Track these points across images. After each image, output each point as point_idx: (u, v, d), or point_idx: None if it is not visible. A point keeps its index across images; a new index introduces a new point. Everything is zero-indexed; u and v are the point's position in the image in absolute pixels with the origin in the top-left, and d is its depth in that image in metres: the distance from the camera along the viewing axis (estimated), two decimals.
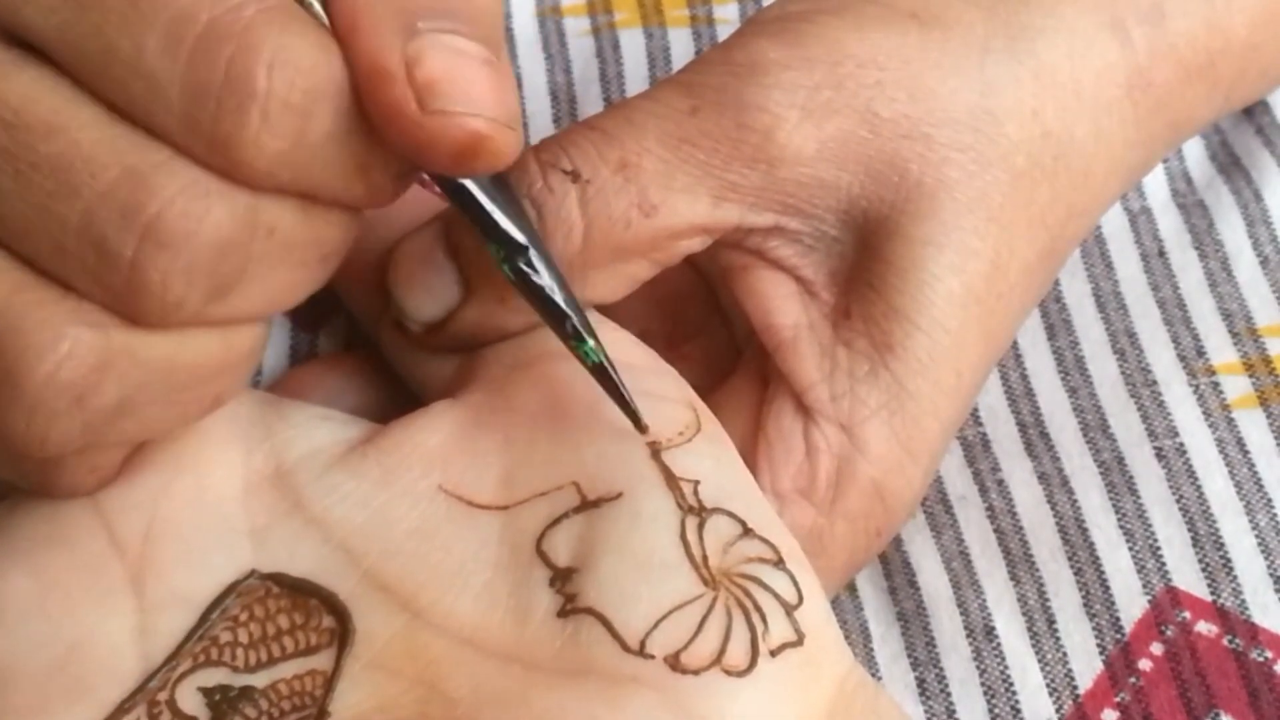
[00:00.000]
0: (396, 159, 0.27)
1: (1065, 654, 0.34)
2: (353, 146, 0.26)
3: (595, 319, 0.32)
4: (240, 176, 0.25)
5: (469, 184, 0.28)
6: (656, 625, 0.27)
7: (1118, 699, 0.33)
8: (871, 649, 0.34)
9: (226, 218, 0.25)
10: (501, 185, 0.29)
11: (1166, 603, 0.34)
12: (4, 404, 0.25)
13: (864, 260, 0.32)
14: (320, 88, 0.25)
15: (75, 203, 0.24)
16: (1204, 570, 0.34)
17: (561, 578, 0.28)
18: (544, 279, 0.29)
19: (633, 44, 0.42)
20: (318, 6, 0.26)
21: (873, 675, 0.33)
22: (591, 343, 0.29)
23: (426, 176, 0.29)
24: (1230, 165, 0.40)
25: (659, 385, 0.31)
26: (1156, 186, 0.40)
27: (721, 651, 0.27)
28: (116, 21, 0.24)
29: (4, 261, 0.25)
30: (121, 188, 0.24)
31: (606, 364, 0.29)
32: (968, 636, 0.34)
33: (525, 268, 0.29)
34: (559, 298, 0.29)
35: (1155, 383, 0.37)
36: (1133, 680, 0.33)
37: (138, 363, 0.26)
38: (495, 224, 0.28)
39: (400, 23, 0.25)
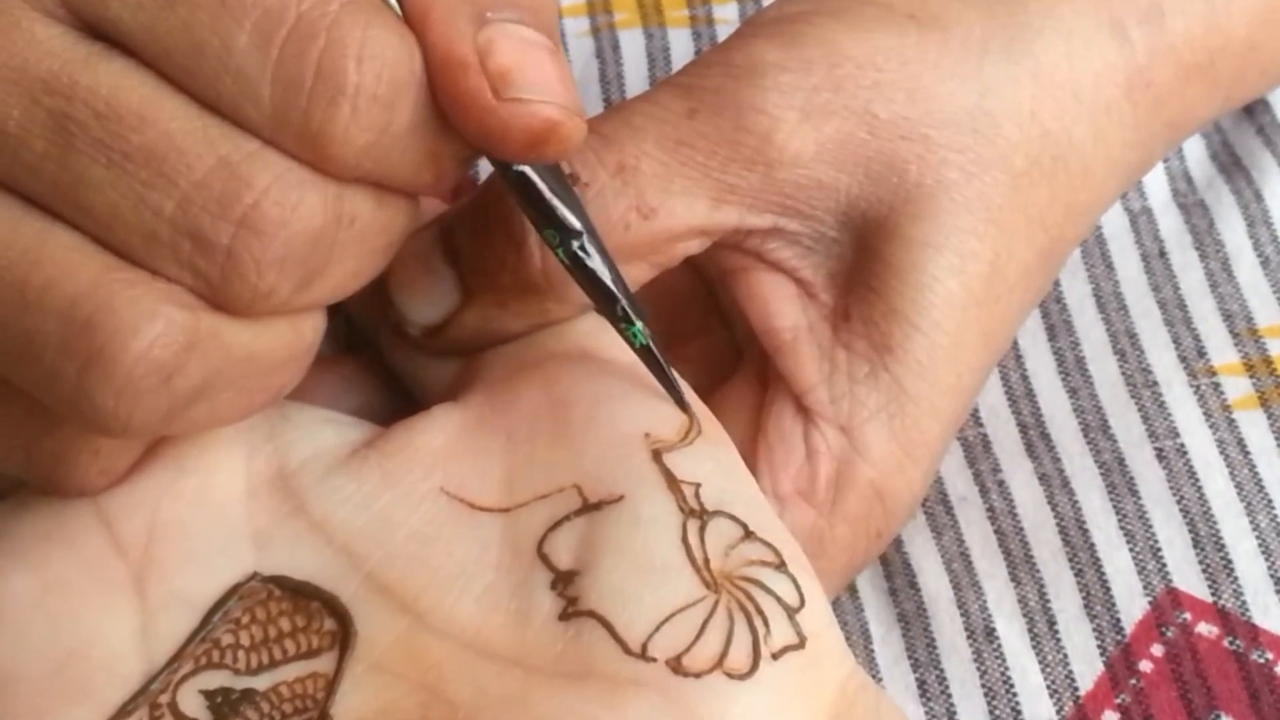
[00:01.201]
0: (464, 146, 0.27)
1: (1066, 655, 0.34)
2: (429, 136, 0.26)
3: (594, 320, 0.32)
4: (329, 168, 0.26)
5: (530, 171, 0.28)
6: (658, 628, 0.27)
7: (1118, 700, 0.33)
8: (872, 650, 0.34)
9: (319, 207, 0.26)
10: (556, 172, 0.29)
11: (1167, 604, 0.34)
12: (94, 381, 0.25)
13: (863, 262, 0.32)
14: (403, 80, 0.26)
15: (171, 192, 0.25)
16: (1205, 571, 0.34)
17: (563, 580, 0.28)
18: (596, 263, 0.29)
19: (632, 44, 0.42)
20: (394, 0, 0.26)
21: (873, 677, 0.33)
22: (640, 325, 0.30)
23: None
24: (1231, 165, 0.40)
25: (659, 387, 0.31)
26: (1157, 187, 0.40)
27: (723, 654, 0.27)
28: (205, 18, 0.25)
29: (93, 246, 0.25)
30: (217, 177, 0.25)
31: (653, 347, 0.30)
32: (968, 638, 0.34)
33: (580, 252, 0.29)
34: (610, 281, 0.29)
35: (1156, 383, 0.37)
36: (1133, 681, 0.33)
37: (222, 346, 0.26)
38: (554, 209, 0.29)
39: (471, 12, 0.26)
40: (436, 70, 0.26)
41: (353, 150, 0.25)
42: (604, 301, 0.30)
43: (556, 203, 0.29)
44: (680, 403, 0.30)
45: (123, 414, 0.26)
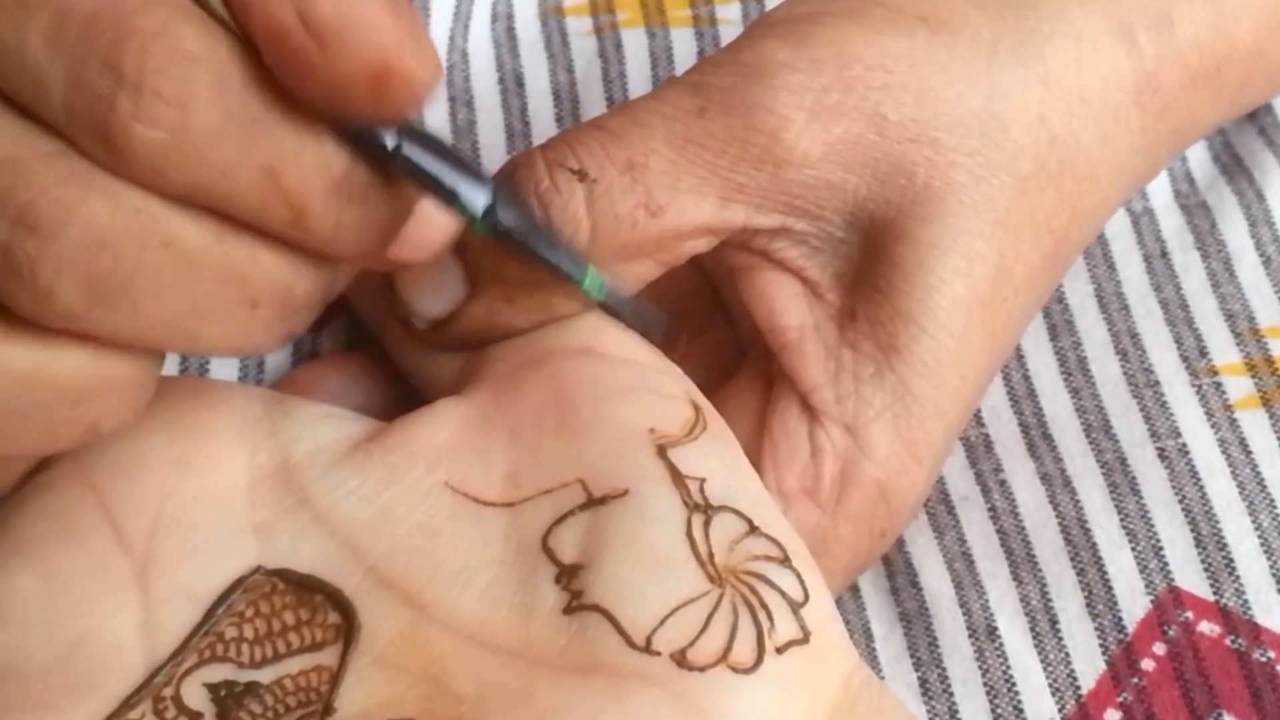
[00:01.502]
0: (312, 157, 0.26)
1: (1068, 654, 0.34)
2: (254, 145, 0.25)
3: (599, 317, 0.32)
4: (128, 173, 0.25)
5: (410, 151, 0.26)
6: (663, 622, 0.27)
7: (1120, 699, 0.33)
8: (874, 649, 0.34)
9: (103, 212, 0.24)
10: (442, 148, 0.27)
11: (1169, 603, 0.34)
12: None
13: (870, 262, 0.32)
14: (198, 77, 0.24)
15: None
16: (1206, 570, 0.34)
17: (567, 574, 0.28)
18: (509, 219, 0.28)
19: (635, 44, 0.42)
20: None
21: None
22: (590, 273, 0.29)
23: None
24: (1233, 166, 0.40)
25: (663, 383, 0.31)
26: (1159, 187, 0.40)
27: (727, 649, 0.27)
28: (2, 14, 0.24)
29: None
30: (2, 176, 0.24)
31: (608, 284, 0.29)
32: (970, 637, 0.34)
33: (497, 222, 0.28)
34: (537, 241, 0.28)
35: (1158, 383, 0.37)
36: (1135, 680, 0.33)
37: (1, 369, 0.25)
38: (443, 182, 0.27)
39: None
40: (264, 46, 0.25)
41: (142, 150, 0.24)
42: (546, 265, 0.29)
43: (446, 172, 0.27)
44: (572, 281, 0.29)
45: None
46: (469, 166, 0.27)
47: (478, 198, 0.27)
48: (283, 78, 0.25)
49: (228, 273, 0.26)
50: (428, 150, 0.27)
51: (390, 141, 0.26)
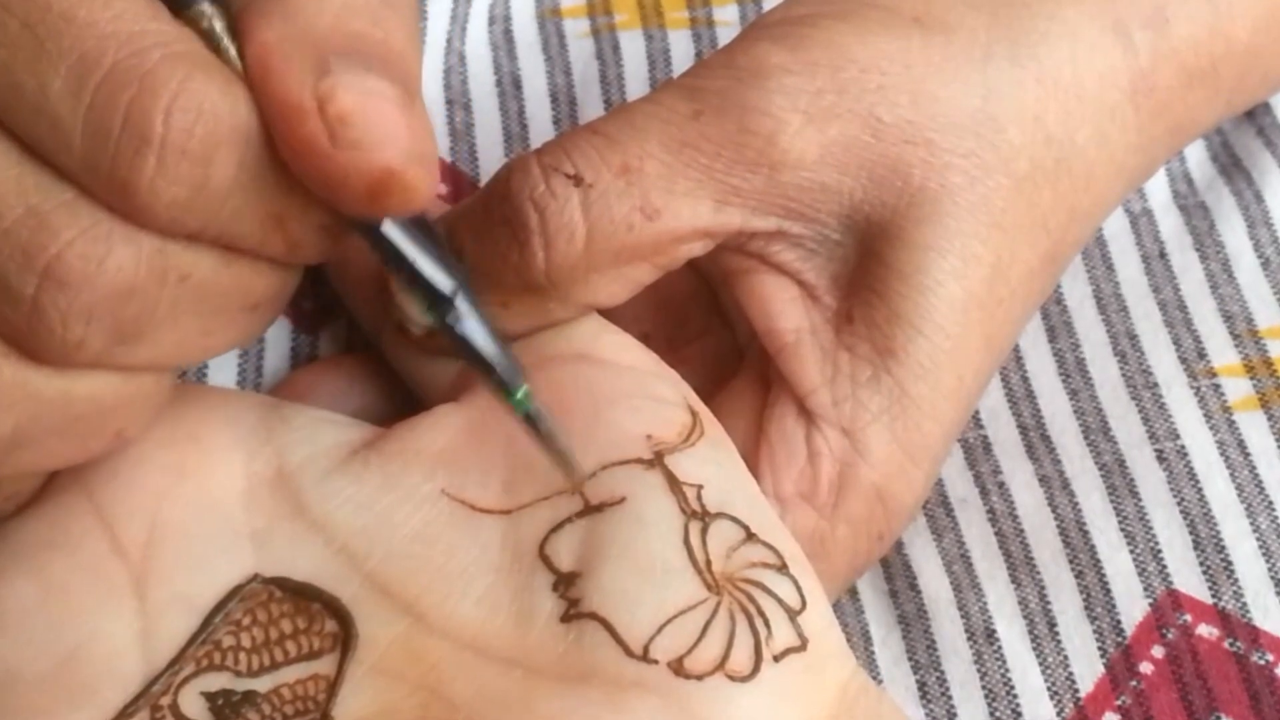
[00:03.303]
0: (316, 210, 0.26)
1: (1066, 657, 0.34)
2: (265, 195, 0.26)
3: (597, 322, 0.32)
4: (143, 221, 0.25)
5: (389, 231, 0.27)
6: (660, 630, 0.27)
7: (1119, 702, 0.33)
8: (872, 652, 0.34)
9: (129, 260, 0.25)
10: (425, 230, 0.28)
11: (1168, 605, 0.34)
12: None
13: (866, 265, 0.32)
14: (221, 134, 0.25)
15: None
16: (1205, 573, 0.34)
17: (564, 582, 0.28)
18: (471, 328, 0.28)
19: (633, 46, 0.42)
20: (232, 51, 0.26)
21: (874, 678, 0.33)
22: (520, 393, 0.28)
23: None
24: (1231, 166, 0.40)
25: (661, 388, 0.31)
26: (1157, 188, 0.40)
27: (725, 657, 0.27)
28: (24, 60, 0.24)
29: None
30: (24, 227, 0.24)
31: (535, 414, 0.28)
32: (969, 639, 0.34)
33: (450, 318, 0.28)
34: (484, 348, 0.28)
35: (1156, 385, 0.37)
36: (1134, 683, 0.33)
37: (30, 395, 0.26)
38: (418, 272, 0.27)
39: (313, 61, 0.25)
40: (275, 119, 0.25)
41: (163, 204, 0.25)
42: (480, 370, 0.28)
43: (422, 264, 0.27)
44: (569, 472, 0.29)
45: None
46: (443, 258, 0.28)
47: (434, 294, 0.28)
48: (283, 152, 0.25)
49: (234, 290, 0.27)
50: (406, 232, 0.27)
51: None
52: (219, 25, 0.26)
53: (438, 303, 0.28)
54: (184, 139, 0.24)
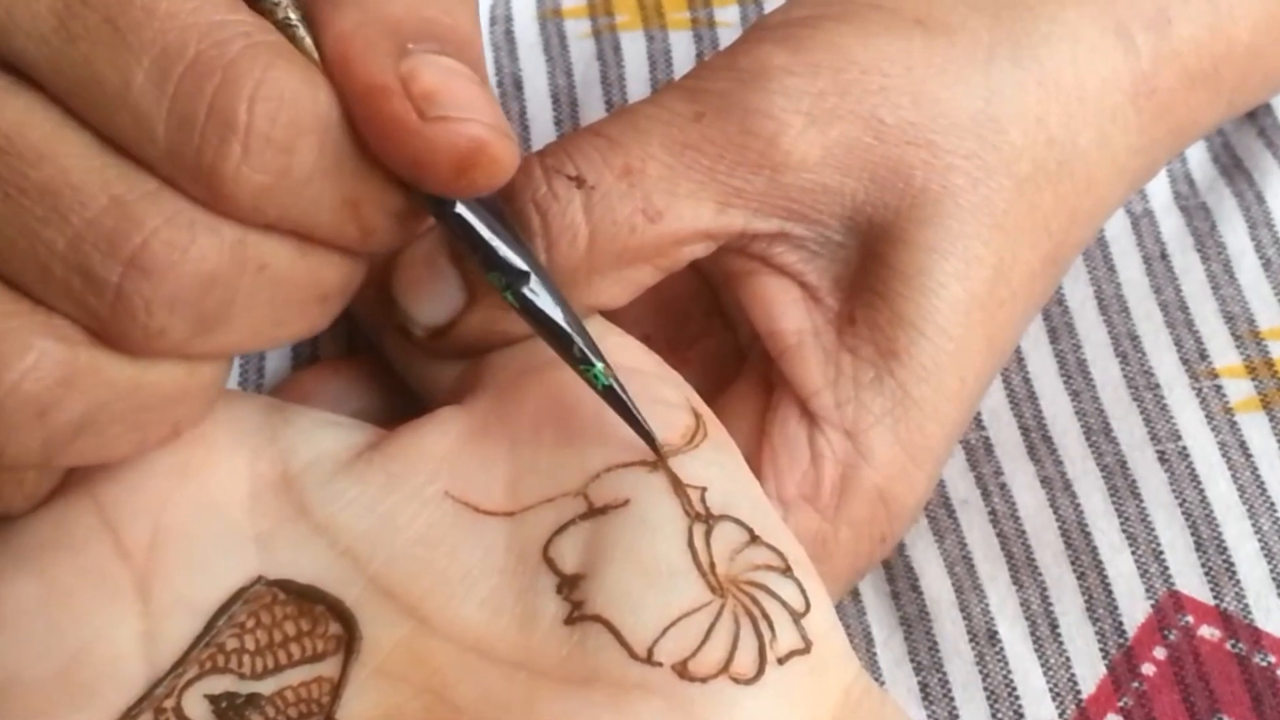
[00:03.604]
0: (391, 196, 0.27)
1: (1068, 658, 0.34)
2: (343, 182, 0.26)
3: (600, 323, 0.32)
4: (226, 210, 0.25)
5: (466, 213, 0.28)
6: (664, 633, 0.27)
7: (1121, 703, 0.33)
8: (874, 654, 0.34)
9: (212, 250, 0.25)
10: (498, 212, 0.29)
11: (1169, 607, 0.34)
12: None
13: (868, 266, 0.32)
14: (304, 122, 0.25)
15: (63, 229, 0.25)
16: (1207, 574, 0.34)
17: (568, 584, 0.28)
18: (547, 304, 0.29)
19: (634, 46, 0.42)
20: (308, 40, 0.26)
21: (876, 680, 0.33)
22: (600, 366, 0.29)
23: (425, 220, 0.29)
24: (1232, 167, 0.40)
25: (664, 391, 0.31)
26: (1159, 189, 0.40)
27: (729, 659, 0.27)
28: (105, 54, 0.25)
29: None
30: (108, 216, 0.25)
31: (616, 386, 0.29)
32: (970, 641, 0.34)
33: (528, 294, 0.29)
34: (563, 322, 0.29)
35: (1158, 386, 0.37)
36: (1136, 685, 0.33)
37: (102, 381, 0.26)
38: (495, 252, 0.28)
39: (391, 45, 0.26)
40: (359, 102, 0.26)
41: (247, 192, 0.25)
42: (559, 344, 0.29)
43: (498, 243, 0.28)
44: (650, 441, 0.29)
45: None
46: (514, 239, 0.29)
47: (512, 270, 0.28)
48: (369, 136, 0.26)
49: (308, 280, 0.27)
50: (478, 214, 0.28)
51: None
52: (294, 15, 0.26)
53: (515, 280, 0.28)
54: (268, 126, 0.25)
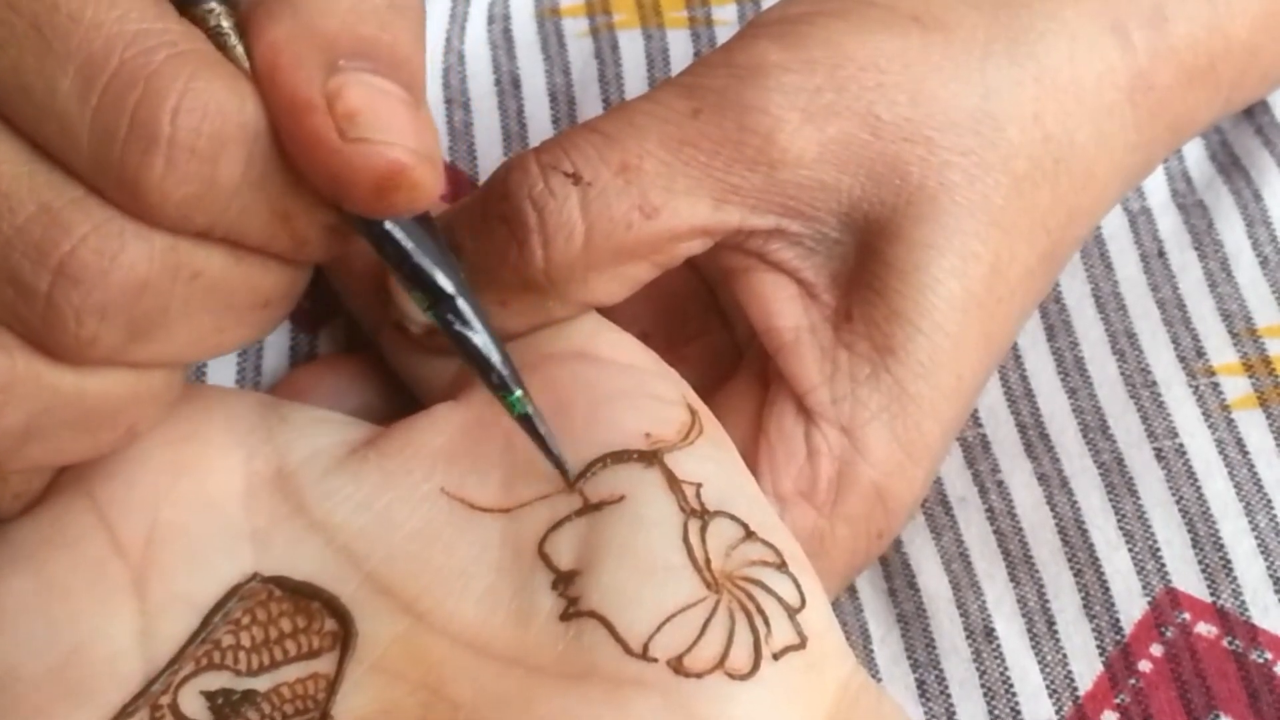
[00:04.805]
0: (322, 209, 0.27)
1: (1065, 655, 0.34)
2: (272, 193, 0.26)
3: (596, 320, 0.32)
4: (153, 220, 0.25)
5: (393, 229, 0.27)
6: (659, 628, 0.27)
7: (1118, 700, 0.33)
8: (871, 651, 0.34)
9: (142, 257, 0.25)
10: (427, 230, 0.28)
11: (1166, 604, 0.34)
12: None
13: (865, 263, 0.32)
14: (228, 132, 0.25)
15: None
16: (1204, 571, 0.34)
17: (564, 581, 0.28)
18: (469, 328, 0.28)
19: (631, 45, 0.42)
20: (239, 49, 0.26)
21: (873, 677, 0.33)
22: (518, 393, 0.29)
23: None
24: (1230, 165, 0.40)
25: (660, 387, 0.31)
26: (1156, 187, 0.40)
27: (724, 655, 0.27)
28: (32, 61, 0.24)
29: None
30: (36, 224, 0.25)
31: (532, 413, 0.29)
32: (968, 638, 0.34)
33: (450, 318, 0.28)
34: (482, 347, 0.28)
35: (1155, 383, 0.37)
36: (1133, 681, 0.33)
37: (42, 388, 0.26)
38: (420, 271, 0.28)
39: (322, 60, 0.25)
40: (283, 115, 0.25)
41: (172, 203, 0.25)
42: (478, 368, 0.29)
43: (425, 263, 0.28)
44: (562, 472, 0.29)
45: None
46: (443, 259, 0.28)
47: (437, 290, 0.28)
48: (291, 151, 0.26)
49: (245, 286, 0.27)
50: (409, 232, 0.27)
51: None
52: (226, 24, 0.26)
53: (438, 302, 0.28)
54: (191, 138, 0.25)
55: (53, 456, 0.27)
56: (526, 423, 0.29)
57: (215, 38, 0.26)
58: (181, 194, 0.25)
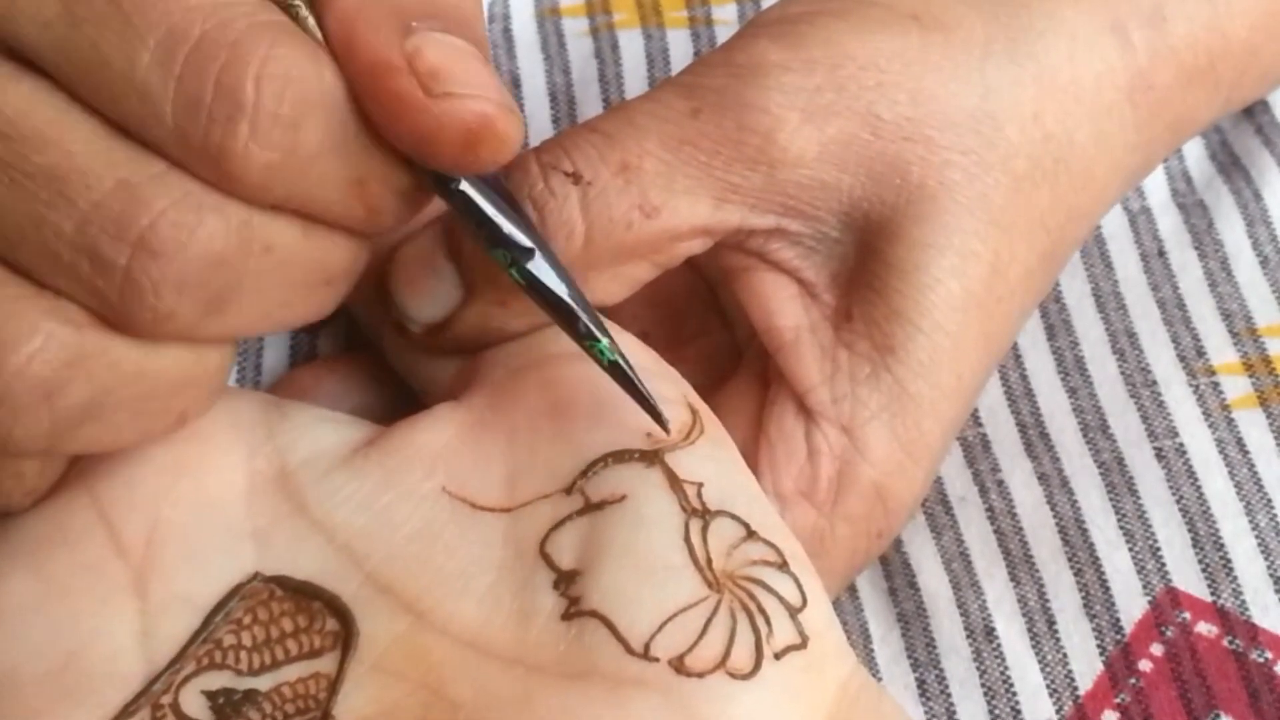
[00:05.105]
0: (397, 174, 0.27)
1: (1065, 655, 0.34)
2: (349, 160, 0.26)
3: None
4: (233, 189, 0.25)
5: (471, 191, 0.28)
6: (661, 628, 0.27)
7: (1118, 700, 0.33)
8: (871, 650, 0.34)
9: (220, 230, 0.25)
10: (501, 190, 0.29)
11: (1166, 603, 0.34)
12: None
13: (865, 262, 0.32)
14: (310, 98, 0.25)
15: (70, 212, 0.25)
16: (1204, 571, 0.34)
17: (565, 580, 0.28)
18: (551, 280, 0.29)
19: (631, 45, 0.42)
20: (311, 21, 0.26)
21: (873, 676, 0.33)
22: (606, 341, 0.29)
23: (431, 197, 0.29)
24: (1230, 165, 0.40)
25: (661, 387, 0.31)
26: (1156, 186, 0.40)
27: (726, 654, 0.27)
28: (111, 37, 0.25)
29: None
30: (115, 199, 0.25)
31: (622, 362, 0.29)
32: (968, 637, 0.34)
33: (533, 270, 0.29)
34: (569, 299, 0.29)
35: (1155, 383, 0.37)
36: (1133, 681, 0.33)
37: (109, 365, 0.26)
38: (499, 229, 0.28)
39: (395, 23, 0.26)
40: (365, 78, 0.26)
41: (255, 170, 0.25)
42: (564, 320, 0.29)
43: (502, 220, 0.28)
44: (657, 417, 0.29)
45: (2, 430, 0.26)
46: (518, 216, 0.29)
47: (516, 246, 0.28)
48: (375, 113, 0.26)
49: (313, 262, 0.27)
50: (482, 192, 0.28)
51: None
52: None
53: (519, 258, 0.28)
54: (275, 104, 0.25)
55: (106, 439, 0.27)
56: (616, 370, 0.29)
57: (287, 10, 0.26)
58: (264, 161, 0.25)
